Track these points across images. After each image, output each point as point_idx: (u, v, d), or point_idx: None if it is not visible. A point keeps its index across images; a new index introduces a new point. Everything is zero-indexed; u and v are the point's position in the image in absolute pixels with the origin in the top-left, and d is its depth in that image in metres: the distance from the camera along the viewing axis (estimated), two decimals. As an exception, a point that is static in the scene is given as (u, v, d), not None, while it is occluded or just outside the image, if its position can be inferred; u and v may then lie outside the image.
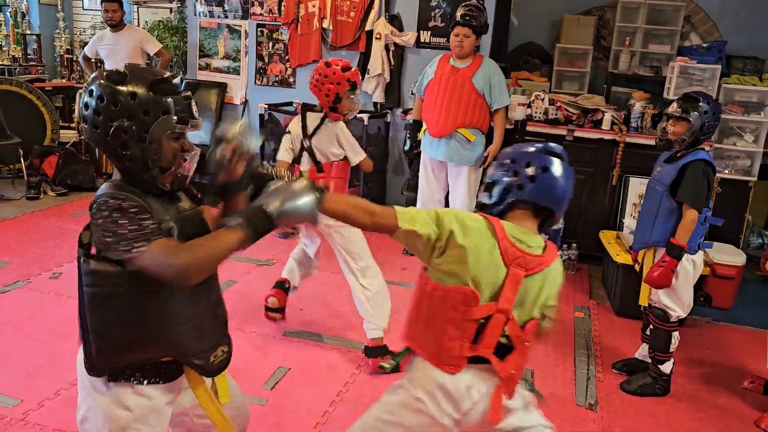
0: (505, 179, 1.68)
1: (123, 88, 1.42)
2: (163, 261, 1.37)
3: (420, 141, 4.32)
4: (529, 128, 4.58)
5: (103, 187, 1.48)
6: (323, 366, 3.01)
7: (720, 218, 2.99)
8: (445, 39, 5.08)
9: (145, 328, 1.47)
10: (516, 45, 5.86)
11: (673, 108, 2.86)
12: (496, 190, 1.69)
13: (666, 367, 2.95)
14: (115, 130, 1.40)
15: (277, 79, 5.62)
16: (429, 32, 5.17)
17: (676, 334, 2.91)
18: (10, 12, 6.42)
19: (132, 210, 1.40)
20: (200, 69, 5.87)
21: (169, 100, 1.44)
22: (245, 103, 5.75)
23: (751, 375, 3.14)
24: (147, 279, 1.39)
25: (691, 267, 2.84)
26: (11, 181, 5.74)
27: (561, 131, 4.54)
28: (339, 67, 2.95)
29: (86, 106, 1.44)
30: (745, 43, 5.27)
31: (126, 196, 1.42)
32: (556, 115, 4.60)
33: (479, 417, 1.64)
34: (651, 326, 2.96)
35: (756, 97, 4.62)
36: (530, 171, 1.66)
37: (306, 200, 1.49)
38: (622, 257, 3.77)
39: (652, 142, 4.37)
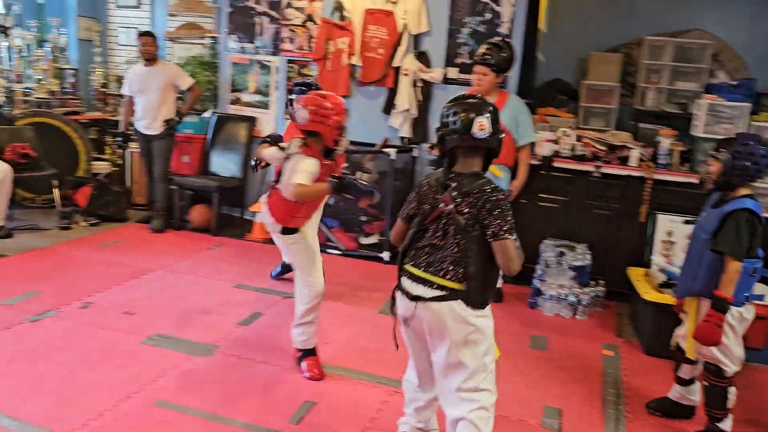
0: None
1: None
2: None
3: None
4: (555, 164, 4.59)
5: (486, 181, 2.16)
6: (349, 400, 3.00)
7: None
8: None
9: (492, 273, 2.16)
10: (543, 82, 5.89)
11: (712, 147, 2.85)
12: None
13: (725, 425, 2.80)
14: None
15: (305, 113, 5.71)
16: (456, 68, 5.23)
17: (732, 390, 2.78)
18: (50, 47, 6.64)
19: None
20: (231, 103, 6.00)
21: None
22: (274, 136, 5.84)
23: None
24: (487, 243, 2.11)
25: (737, 321, 2.71)
26: (45, 211, 5.89)
27: (588, 167, 4.54)
28: (337, 99, 2.94)
29: None
30: (774, 80, 5.25)
31: None
32: (583, 151, 4.60)
33: None
34: (705, 382, 2.83)
35: (787, 135, 4.57)
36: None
37: None
38: (652, 295, 3.72)
39: (680, 179, 4.39)
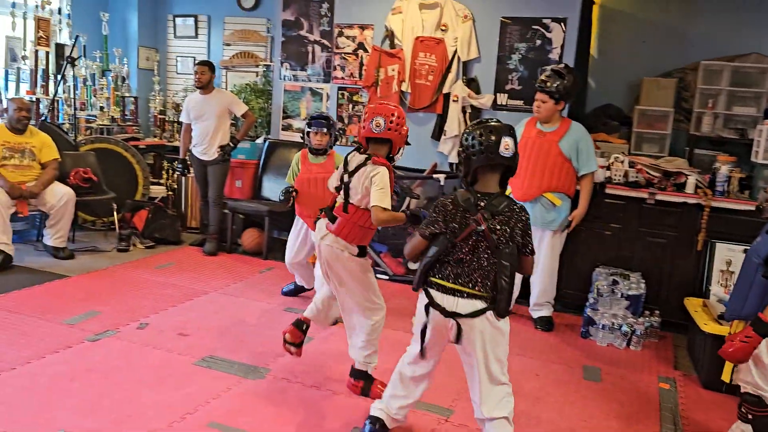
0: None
1: None
2: None
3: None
4: (608, 191, 4.52)
5: (512, 200, 2.38)
6: (399, 428, 2.98)
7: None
8: (522, 101, 5.15)
9: (514, 284, 2.35)
10: (594, 107, 5.84)
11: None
12: None
13: None
14: None
15: (355, 139, 5.80)
16: (506, 95, 5.23)
17: None
18: (112, 77, 6.94)
19: None
20: (283, 129, 6.13)
21: None
22: (324, 162, 5.94)
23: None
24: None
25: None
26: (104, 233, 6.10)
27: (642, 194, 4.45)
28: (401, 109, 3.00)
29: None
30: (838, 105, 5.06)
31: None
32: (636, 177, 4.52)
33: None
34: (749, 416, 2.68)
35: None
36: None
37: None
38: (711, 326, 3.60)
39: (739, 207, 4.26)
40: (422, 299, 2.48)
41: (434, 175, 5.06)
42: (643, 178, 4.51)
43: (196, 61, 5.79)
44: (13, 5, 6.16)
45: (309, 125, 4.21)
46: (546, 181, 4.10)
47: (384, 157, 2.94)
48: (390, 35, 5.49)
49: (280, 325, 4.07)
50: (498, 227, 2.31)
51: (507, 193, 4.24)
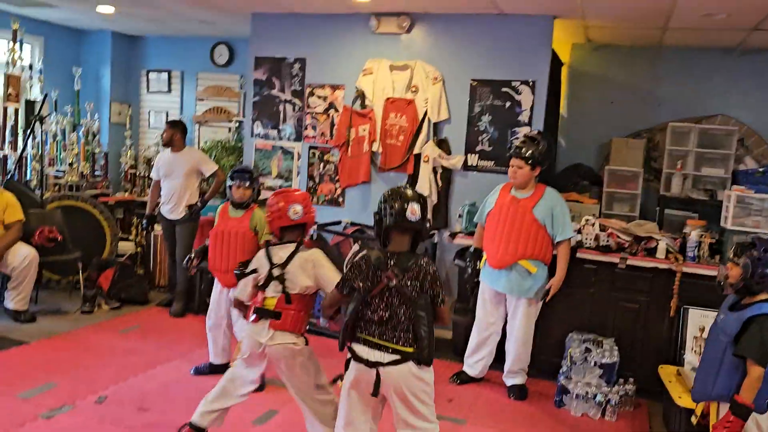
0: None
1: None
2: None
3: (479, 270, 4.28)
4: (579, 255, 4.49)
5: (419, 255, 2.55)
6: None
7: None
8: (493, 162, 5.16)
9: (433, 333, 2.52)
10: (564, 166, 5.88)
11: (729, 251, 2.78)
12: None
13: None
14: None
15: (326, 198, 5.76)
16: (477, 155, 5.25)
17: None
18: (83, 131, 6.86)
19: None
20: (254, 187, 6.06)
21: None
22: (296, 220, 5.87)
23: None
24: None
25: (756, 429, 2.61)
26: (69, 292, 5.93)
27: (613, 259, 4.43)
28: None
29: None
30: (804, 167, 5.15)
31: None
32: (607, 241, 4.51)
33: None
34: None
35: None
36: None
37: None
38: (685, 399, 3.53)
39: (711, 273, 4.23)
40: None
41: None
42: (615, 243, 4.50)
43: (167, 121, 5.74)
44: (-17, 61, 6.10)
45: (231, 178, 4.16)
46: (521, 248, 4.06)
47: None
48: (361, 96, 5.51)
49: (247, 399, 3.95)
50: (409, 282, 2.50)
51: (482, 259, 4.24)
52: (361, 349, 2.55)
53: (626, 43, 5.85)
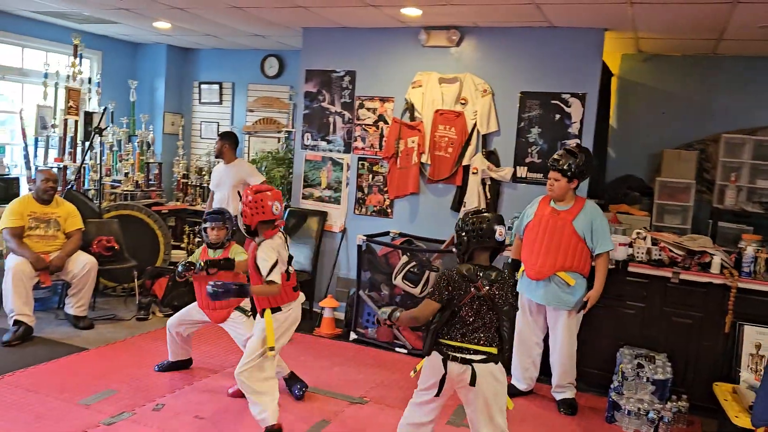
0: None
1: None
2: None
3: (517, 281, 4.29)
4: (630, 269, 4.45)
5: (501, 271, 2.94)
6: None
7: None
8: (542, 174, 5.14)
9: None
10: (614, 177, 5.82)
11: None
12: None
13: None
14: None
15: (375, 209, 5.83)
16: (526, 168, 5.24)
17: None
18: (138, 142, 7.09)
19: None
20: (303, 198, 6.18)
21: None
22: (344, 231, 5.96)
23: None
24: None
25: None
26: (124, 299, 6.13)
27: (666, 273, 4.37)
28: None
29: None
30: None
31: None
32: (659, 255, 4.45)
33: None
34: None
35: None
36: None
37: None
38: (743, 420, 3.47)
39: (767, 289, 4.15)
40: (433, 358, 2.87)
41: (453, 249, 5.00)
42: (667, 257, 4.44)
43: (219, 134, 5.90)
44: (46, 75, 6.37)
45: (205, 221, 4.33)
46: (560, 260, 4.05)
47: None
48: (410, 108, 5.56)
49: (296, 406, 4.03)
50: (497, 292, 2.84)
51: (520, 270, 4.25)
52: (448, 351, 2.85)
53: (678, 52, 5.76)
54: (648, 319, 4.46)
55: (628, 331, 4.49)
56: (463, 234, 2.89)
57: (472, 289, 2.79)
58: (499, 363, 2.84)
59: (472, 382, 2.77)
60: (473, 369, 2.77)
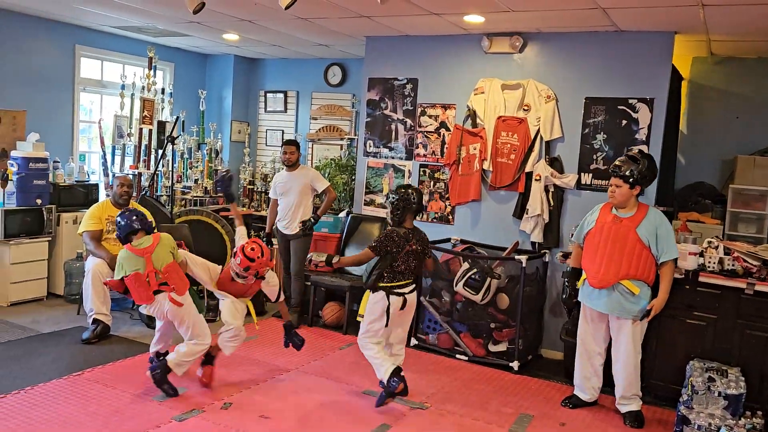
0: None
1: None
2: None
3: (578, 290, 4.23)
4: (701, 279, 4.31)
5: (420, 230, 4.23)
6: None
7: None
8: (606, 182, 5.04)
9: None
10: (684, 184, 5.65)
11: None
12: None
13: None
14: None
15: (436, 215, 5.85)
16: (590, 174, 5.16)
17: None
18: (206, 150, 7.35)
19: None
20: (365, 204, 6.26)
21: None
22: (405, 237, 6.00)
23: None
24: None
25: None
26: (195, 301, 6.33)
27: (739, 284, 4.21)
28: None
29: None
30: None
31: None
32: (732, 265, 4.30)
33: None
34: None
35: None
36: None
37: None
38: (821, 439, 3.31)
39: None
40: (378, 296, 4.04)
41: (516, 256, 4.98)
42: (741, 267, 4.28)
43: (284, 140, 6.04)
44: (123, 87, 6.69)
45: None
46: (624, 268, 3.97)
47: None
48: (472, 114, 5.56)
49: (357, 410, 4.09)
50: (419, 246, 4.09)
51: (582, 278, 4.19)
52: (394, 288, 4.05)
53: (752, 55, 5.55)
54: (720, 332, 4.30)
55: (698, 344, 4.34)
56: (397, 203, 4.04)
57: (407, 246, 3.99)
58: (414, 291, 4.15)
59: (403, 307, 4.07)
60: (405, 298, 4.06)
